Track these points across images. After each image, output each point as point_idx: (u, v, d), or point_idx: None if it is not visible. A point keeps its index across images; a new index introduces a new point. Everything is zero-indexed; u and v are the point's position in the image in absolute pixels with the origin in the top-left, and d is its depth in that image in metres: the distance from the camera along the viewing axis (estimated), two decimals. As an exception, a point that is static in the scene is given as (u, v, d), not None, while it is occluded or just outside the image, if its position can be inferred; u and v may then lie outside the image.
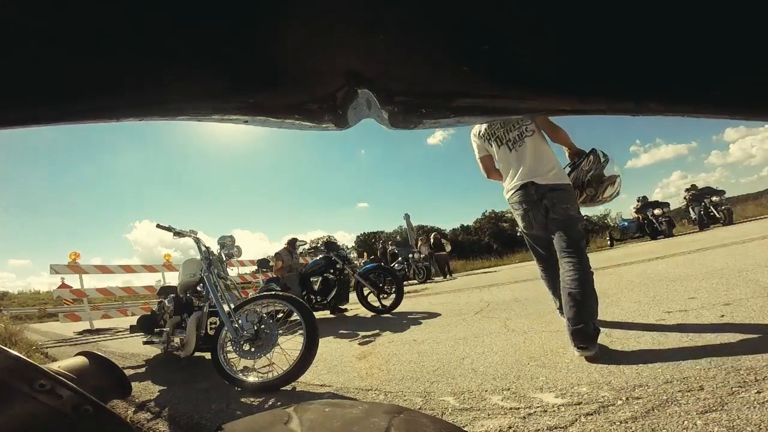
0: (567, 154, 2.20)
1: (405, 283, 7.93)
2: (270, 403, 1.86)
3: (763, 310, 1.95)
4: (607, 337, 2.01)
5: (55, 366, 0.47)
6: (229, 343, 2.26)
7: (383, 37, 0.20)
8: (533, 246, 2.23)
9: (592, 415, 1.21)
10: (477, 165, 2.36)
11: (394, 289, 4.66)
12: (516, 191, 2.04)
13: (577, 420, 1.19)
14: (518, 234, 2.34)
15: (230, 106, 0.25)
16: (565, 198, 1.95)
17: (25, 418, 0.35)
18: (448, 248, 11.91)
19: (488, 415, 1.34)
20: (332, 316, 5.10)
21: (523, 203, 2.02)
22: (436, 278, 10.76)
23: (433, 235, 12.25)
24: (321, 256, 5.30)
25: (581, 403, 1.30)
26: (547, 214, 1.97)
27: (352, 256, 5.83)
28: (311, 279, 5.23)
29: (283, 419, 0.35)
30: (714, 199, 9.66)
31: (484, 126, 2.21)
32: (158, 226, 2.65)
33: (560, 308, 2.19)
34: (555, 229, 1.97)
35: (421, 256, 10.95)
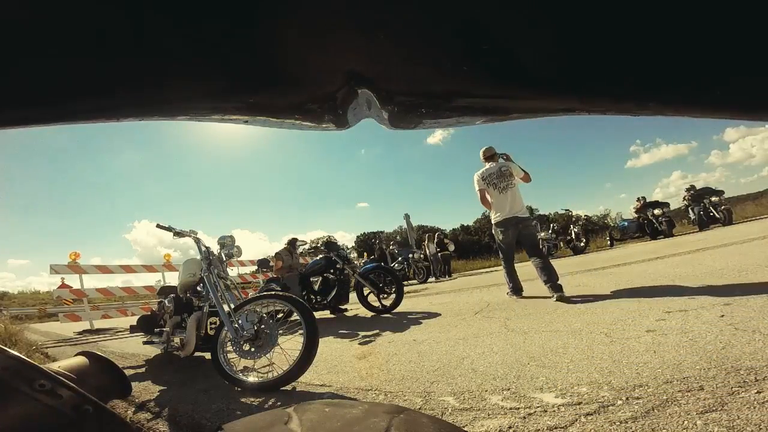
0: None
1: (405, 283, 7.92)
2: (270, 403, 1.86)
3: (763, 310, 1.95)
4: (606, 337, 2.01)
5: (55, 366, 0.47)
6: (229, 343, 2.25)
7: (383, 37, 0.20)
8: (507, 251, 3.74)
9: (592, 415, 1.21)
10: (475, 188, 3.85)
11: (394, 289, 4.65)
12: (506, 218, 3.59)
13: (577, 420, 1.19)
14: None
15: (230, 106, 0.25)
16: (532, 225, 3.75)
17: (25, 418, 0.35)
18: (451, 248, 11.94)
19: (488, 415, 1.34)
20: (332, 316, 5.10)
21: (509, 225, 3.60)
22: (441, 278, 10.71)
23: (437, 234, 12.28)
24: (321, 256, 5.30)
25: (581, 403, 1.30)
26: (518, 233, 3.61)
27: (352, 256, 5.82)
28: (311, 279, 5.22)
29: (283, 419, 0.35)
30: (713, 199, 9.65)
31: (487, 173, 3.69)
32: (158, 226, 2.65)
33: (512, 289, 3.79)
34: (526, 241, 3.61)
35: (422, 255, 10.94)
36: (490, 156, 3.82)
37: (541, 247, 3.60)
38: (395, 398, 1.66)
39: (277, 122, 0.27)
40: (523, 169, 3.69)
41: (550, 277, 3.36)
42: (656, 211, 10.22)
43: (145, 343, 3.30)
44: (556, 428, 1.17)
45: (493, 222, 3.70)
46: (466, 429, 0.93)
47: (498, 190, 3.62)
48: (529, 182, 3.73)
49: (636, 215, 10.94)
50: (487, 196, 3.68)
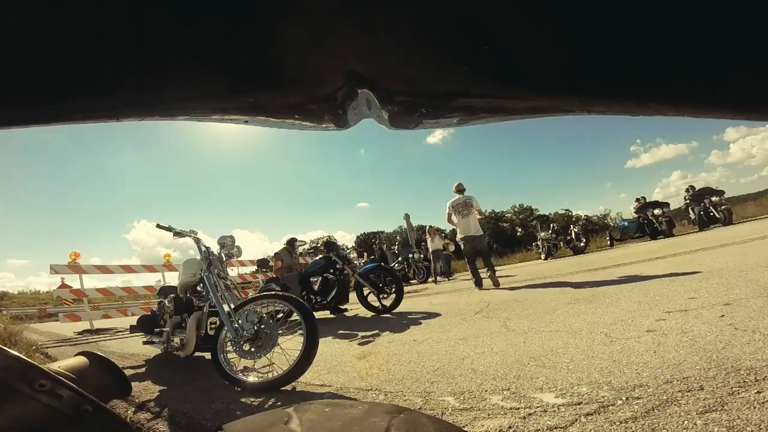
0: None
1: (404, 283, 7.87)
2: (270, 403, 1.86)
3: (763, 310, 1.95)
4: (606, 337, 2.01)
5: (55, 366, 0.47)
6: (229, 343, 2.25)
7: (383, 37, 0.20)
8: (470, 256, 5.54)
9: (592, 415, 1.21)
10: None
11: (394, 289, 4.65)
12: (466, 236, 5.39)
13: (577, 420, 1.19)
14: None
15: (230, 106, 0.25)
16: (484, 240, 5.58)
17: (25, 418, 0.35)
18: (451, 248, 11.85)
19: (488, 415, 1.34)
20: (332, 316, 5.10)
21: (468, 240, 5.39)
22: (442, 279, 10.28)
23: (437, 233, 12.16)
24: (321, 256, 5.30)
25: (581, 403, 1.30)
26: (474, 245, 5.43)
27: (351, 256, 5.83)
28: (311, 279, 5.22)
29: (283, 419, 0.35)
30: (714, 199, 9.64)
31: (456, 203, 5.47)
32: (158, 226, 2.65)
33: (475, 282, 5.43)
34: (480, 251, 5.47)
35: (421, 255, 10.85)
36: (459, 190, 5.58)
37: (490, 255, 5.69)
38: (395, 398, 1.66)
39: (277, 122, 0.27)
40: (479, 208, 5.64)
41: (490, 269, 5.37)
42: (656, 211, 10.22)
43: (145, 343, 3.30)
44: (556, 428, 1.17)
45: (458, 237, 5.62)
46: (466, 429, 0.93)
47: (461, 216, 5.43)
48: (482, 216, 5.62)
49: (636, 215, 10.94)
50: (453, 218, 5.55)
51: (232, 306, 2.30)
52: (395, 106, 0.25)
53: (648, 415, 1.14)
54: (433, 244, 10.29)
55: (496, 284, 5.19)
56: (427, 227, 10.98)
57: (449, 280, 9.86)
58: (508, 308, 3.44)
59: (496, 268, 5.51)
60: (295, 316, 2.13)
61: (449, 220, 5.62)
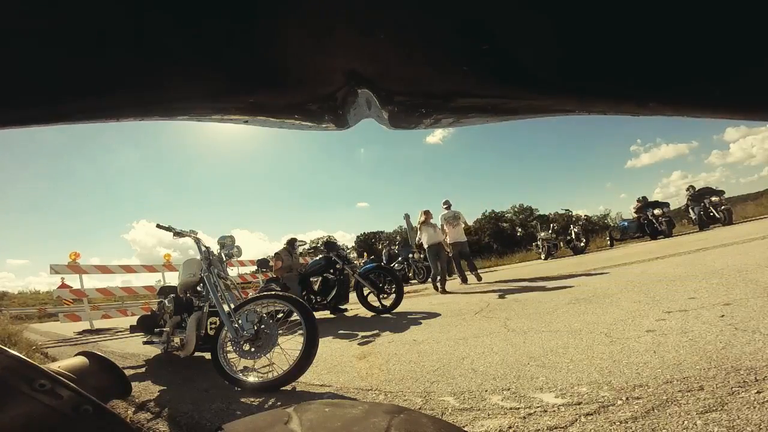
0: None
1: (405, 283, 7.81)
2: (270, 403, 1.86)
3: (763, 310, 1.95)
4: (606, 337, 2.01)
5: (55, 366, 0.47)
6: (229, 343, 2.26)
7: (383, 37, 0.20)
8: (456, 258, 6.75)
9: (592, 415, 1.21)
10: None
11: (394, 289, 4.65)
12: (456, 242, 6.65)
13: (577, 420, 1.19)
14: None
15: (230, 106, 0.25)
16: (467, 245, 6.93)
17: (25, 418, 0.35)
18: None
19: (488, 415, 1.34)
20: (332, 316, 5.10)
21: (456, 246, 6.66)
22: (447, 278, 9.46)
23: None
24: (321, 256, 5.30)
25: (581, 403, 1.30)
26: (460, 249, 6.73)
27: (351, 256, 5.83)
28: (311, 279, 5.22)
29: (283, 419, 0.35)
30: (714, 199, 9.63)
31: (447, 215, 6.76)
32: (158, 226, 2.65)
33: (440, 281, 6.25)
34: (463, 254, 6.80)
35: (421, 254, 10.76)
36: (447, 207, 6.85)
37: (470, 256, 6.99)
38: (395, 398, 1.66)
39: (277, 122, 0.27)
40: (464, 220, 6.99)
41: (473, 269, 6.81)
42: (656, 211, 10.20)
43: (145, 343, 3.30)
44: (556, 428, 1.17)
45: (448, 242, 6.68)
46: (466, 429, 0.93)
47: (451, 226, 6.66)
48: (467, 227, 7.10)
49: (636, 215, 10.93)
50: (445, 228, 6.71)
51: (232, 306, 2.30)
52: (395, 106, 0.25)
53: (648, 415, 1.14)
54: (432, 232, 6.68)
55: (479, 279, 6.72)
56: (420, 212, 6.92)
57: (449, 278, 9.84)
58: (508, 308, 3.44)
59: (495, 268, 5.69)
60: (295, 316, 2.13)
61: (442, 228, 6.88)
